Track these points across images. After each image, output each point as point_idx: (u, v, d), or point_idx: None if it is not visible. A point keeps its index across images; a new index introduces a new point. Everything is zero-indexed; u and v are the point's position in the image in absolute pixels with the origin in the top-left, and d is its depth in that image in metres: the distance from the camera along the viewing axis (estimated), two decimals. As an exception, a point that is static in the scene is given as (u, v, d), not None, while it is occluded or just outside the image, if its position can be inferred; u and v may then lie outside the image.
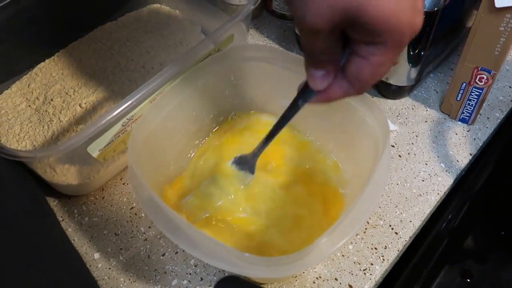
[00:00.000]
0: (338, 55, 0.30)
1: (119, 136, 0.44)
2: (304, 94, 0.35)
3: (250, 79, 0.50)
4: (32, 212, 0.34)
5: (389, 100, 0.59)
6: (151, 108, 0.43)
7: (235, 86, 0.50)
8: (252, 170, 0.43)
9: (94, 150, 0.42)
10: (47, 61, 0.56)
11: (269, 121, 0.50)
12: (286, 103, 0.50)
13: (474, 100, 0.53)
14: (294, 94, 0.50)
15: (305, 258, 0.36)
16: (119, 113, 0.41)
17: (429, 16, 0.49)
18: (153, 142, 0.43)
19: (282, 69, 0.47)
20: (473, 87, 0.52)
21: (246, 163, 0.43)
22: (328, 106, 0.45)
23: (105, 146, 0.43)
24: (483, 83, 0.51)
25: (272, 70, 0.48)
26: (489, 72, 0.50)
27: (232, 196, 0.44)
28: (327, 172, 0.48)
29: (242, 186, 0.44)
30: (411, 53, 0.53)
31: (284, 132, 0.51)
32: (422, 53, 0.53)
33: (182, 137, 0.48)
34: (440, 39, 0.55)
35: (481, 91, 0.52)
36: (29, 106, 0.52)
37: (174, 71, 0.44)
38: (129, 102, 0.41)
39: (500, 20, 0.45)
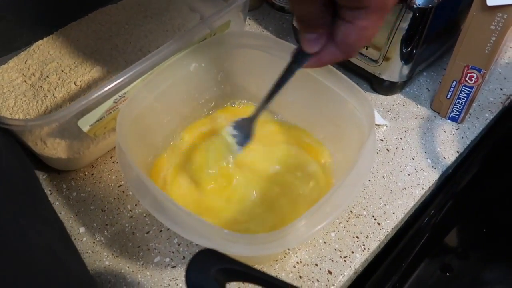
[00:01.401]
0: (327, 19, 0.31)
1: (111, 113, 0.45)
2: (298, 58, 0.36)
3: (244, 66, 0.50)
4: (23, 178, 0.35)
5: (381, 96, 0.59)
6: (141, 87, 0.43)
7: (228, 72, 0.50)
8: (249, 135, 0.43)
9: (85, 124, 0.43)
10: (45, 39, 0.57)
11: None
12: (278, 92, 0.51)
13: (463, 99, 0.54)
14: (286, 83, 0.51)
15: (284, 238, 0.36)
16: (110, 88, 0.41)
17: (423, 12, 0.50)
18: (143, 122, 0.44)
19: (276, 58, 0.47)
20: (463, 86, 0.53)
21: (244, 128, 0.43)
22: (320, 98, 0.46)
23: (95, 122, 0.44)
24: (473, 81, 0.52)
25: (266, 59, 0.48)
26: (479, 70, 0.50)
27: (226, 163, 0.44)
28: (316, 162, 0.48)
29: (239, 152, 0.44)
30: (404, 49, 0.53)
31: (275, 124, 0.52)
32: (415, 50, 0.54)
33: (172, 119, 0.48)
34: (434, 38, 0.56)
35: (470, 90, 0.53)
36: (25, 81, 0.52)
37: (168, 52, 0.45)
38: (121, 79, 0.42)
39: (491, 19, 0.46)
